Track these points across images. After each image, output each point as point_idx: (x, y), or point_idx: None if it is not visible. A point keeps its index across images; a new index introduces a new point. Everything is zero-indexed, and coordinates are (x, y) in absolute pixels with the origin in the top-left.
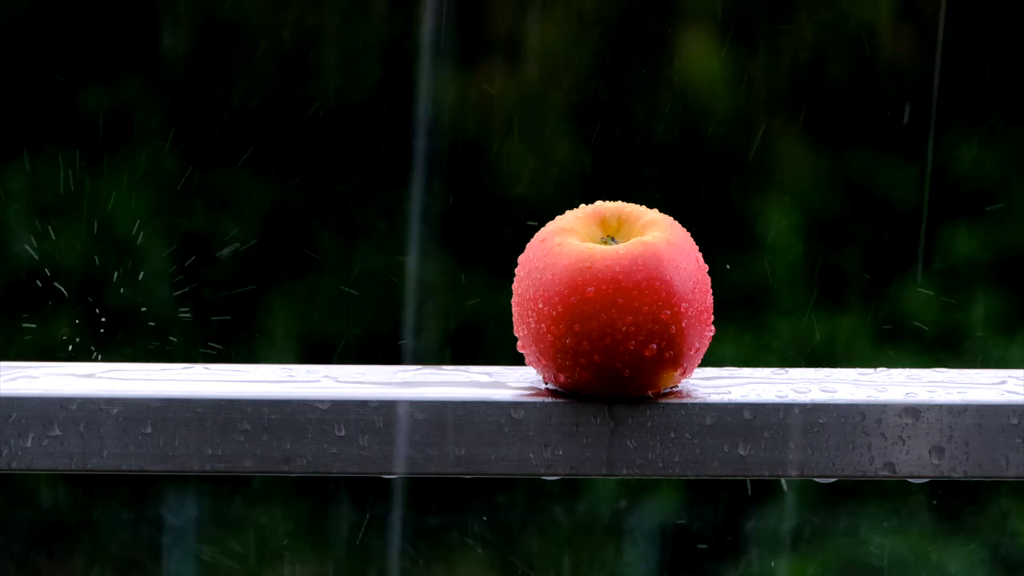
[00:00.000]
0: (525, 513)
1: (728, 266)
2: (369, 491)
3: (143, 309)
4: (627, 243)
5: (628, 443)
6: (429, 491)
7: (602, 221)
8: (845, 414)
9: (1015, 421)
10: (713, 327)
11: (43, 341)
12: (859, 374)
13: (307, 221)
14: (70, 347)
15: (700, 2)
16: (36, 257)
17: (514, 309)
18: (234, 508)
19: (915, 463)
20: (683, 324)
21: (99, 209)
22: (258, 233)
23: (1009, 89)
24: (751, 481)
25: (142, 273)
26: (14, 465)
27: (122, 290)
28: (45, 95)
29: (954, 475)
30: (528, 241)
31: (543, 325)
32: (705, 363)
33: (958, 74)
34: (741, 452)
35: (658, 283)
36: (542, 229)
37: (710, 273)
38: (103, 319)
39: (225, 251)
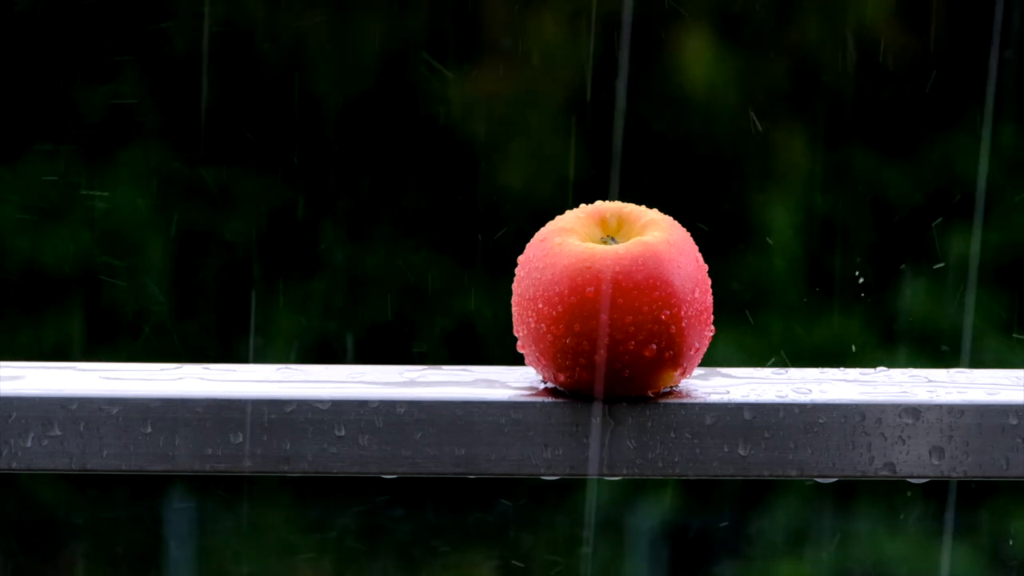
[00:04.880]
0: (525, 513)
1: (728, 266)
2: (369, 491)
3: (143, 308)
4: (627, 243)
5: (628, 443)
6: (429, 491)
7: (602, 221)
8: (845, 414)
9: (1015, 421)
10: (713, 327)
11: (43, 341)
12: (859, 374)
13: (307, 221)
14: (70, 347)
15: (700, 2)
16: (35, 257)
17: (514, 309)
18: (234, 507)
19: (915, 463)
20: (683, 324)
21: (98, 208)
22: (258, 232)
23: (1009, 89)
24: (751, 481)
25: (142, 272)
26: (14, 465)
27: (122, 289)
28: (44, 93)
29: (954, 475)
30: (528, 241)
31: (543, 325)
32: (705, 363)
33: (958, 73)
34: (741, 452)
35: (658, 283)
36: (542, 229)
37: (710, 273)
38: (102, 319)
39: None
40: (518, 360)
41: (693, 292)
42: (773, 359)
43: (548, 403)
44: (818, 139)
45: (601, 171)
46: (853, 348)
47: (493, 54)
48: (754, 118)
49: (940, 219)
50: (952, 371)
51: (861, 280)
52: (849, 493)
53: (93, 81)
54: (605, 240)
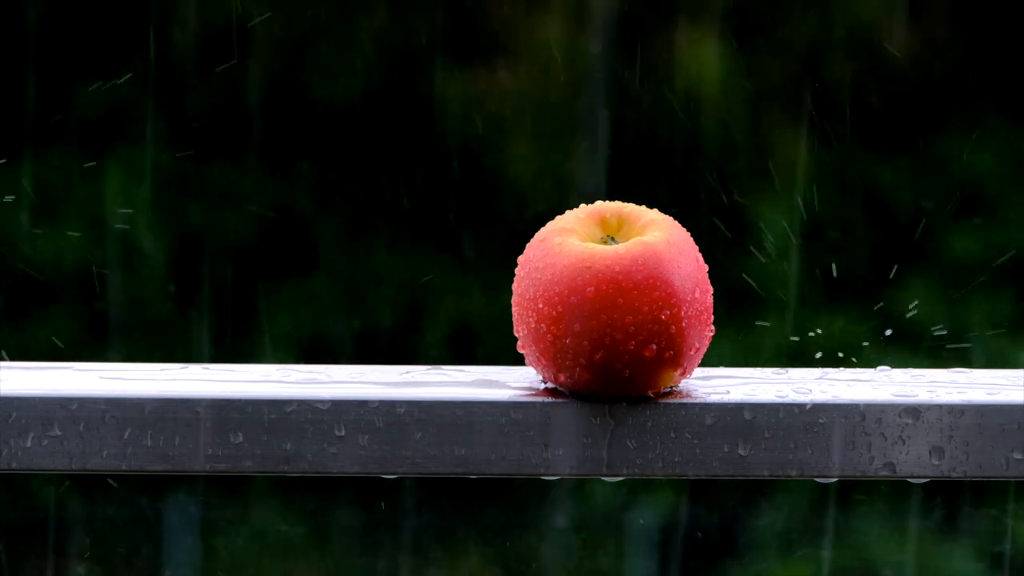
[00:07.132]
0: (524, 513)
1: (727, 266)
2: (369, 491)
3: (142, 308)
4: (627, 243)
5: (628, 443)
6: (429, 491)
7: (602, 221)
8: (845, 414)
9: (1015, 421)
10: (713, 327)
11: (42, 341)
12: (859, 374)
13: (307, 220)
14: (69, 347)
15: (701, 1)
16: (34, 256)
17: (514, 309)
18: (234, 507)
19: (915, 463)
20: (683, 324)
21: (97, 207)
22: (257, 232)
23: (1009, 89)
24: (750, 481)
25: (141, 272)
26: (14, 465)
27: (121, 289)
28: (43, 93)
29: (954, 475)
30: (528, 241)
31: (543, 325)
32: (705, 363)
33: (958, 73)
34: (741, 452)
35: (658, 283)
36: (542, 229)
37: (710, 273)
38: (102, 318)
39: None
40: (518, 360)
41: (693, 292)
42: (772, 359)
43: (548, 403)
44: (818, 138)
45: (602, 171)
46: (853, 348)
47: (495, 53)
48: (755, 117)
49: (940, 219)
50: (952, 371)
51: (861, 280)
52: (849, 493)
53: (92, 78)
54: (605, 240)
